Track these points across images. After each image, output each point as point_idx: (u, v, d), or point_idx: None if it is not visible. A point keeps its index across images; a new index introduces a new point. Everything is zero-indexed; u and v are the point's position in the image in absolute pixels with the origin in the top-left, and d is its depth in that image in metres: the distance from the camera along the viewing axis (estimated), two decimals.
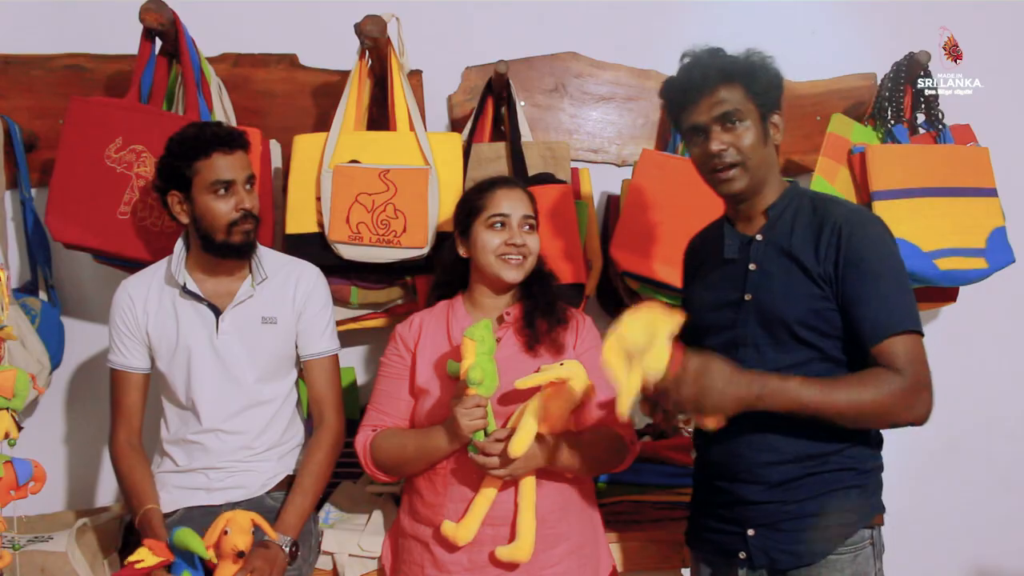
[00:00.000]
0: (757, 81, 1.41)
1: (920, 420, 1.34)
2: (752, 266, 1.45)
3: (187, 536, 1.47)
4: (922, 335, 1.36)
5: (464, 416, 1.46)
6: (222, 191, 1.67)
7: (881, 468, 1.47)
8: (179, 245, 1.75)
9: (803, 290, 1.39)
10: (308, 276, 1.82)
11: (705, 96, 1.40)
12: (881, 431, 1.47)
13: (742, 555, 1.43)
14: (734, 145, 1.40)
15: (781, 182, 1.49)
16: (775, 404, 1.32)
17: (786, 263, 1.42)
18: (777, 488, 1.40)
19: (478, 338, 1.46)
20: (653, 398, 1.34)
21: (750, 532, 1.42)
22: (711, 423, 1.32)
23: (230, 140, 1.69)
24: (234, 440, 1.72)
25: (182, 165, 1.67)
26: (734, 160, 1.40)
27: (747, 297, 1.44)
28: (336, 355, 1.83)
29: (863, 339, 1.36)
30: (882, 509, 1.46)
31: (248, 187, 1.72)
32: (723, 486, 1.46)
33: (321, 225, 1.98)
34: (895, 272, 1.38)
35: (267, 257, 1.80)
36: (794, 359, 1.39)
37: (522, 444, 1.45)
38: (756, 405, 1.32)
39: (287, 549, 1.61)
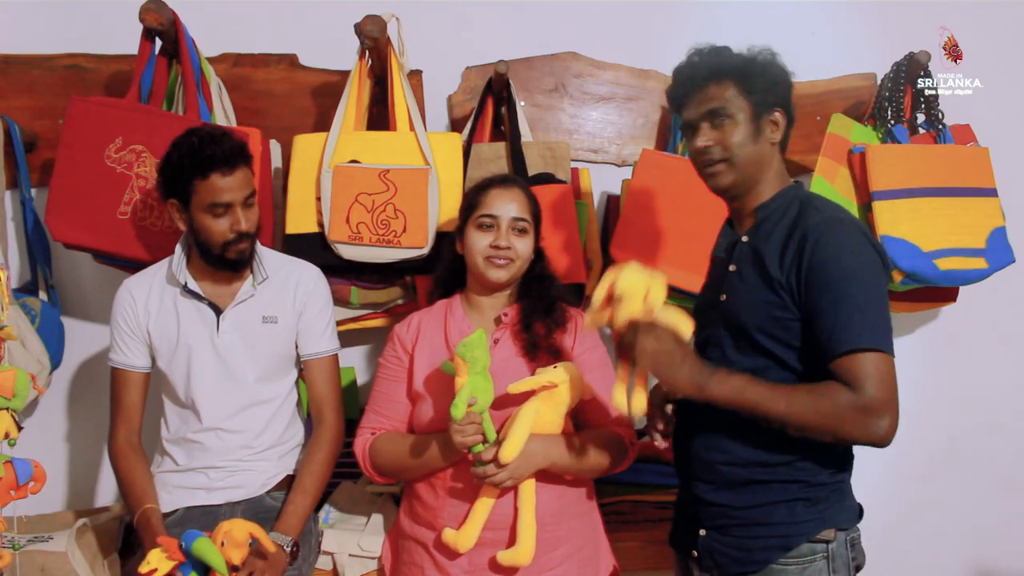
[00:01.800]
0: (751, 78, 1.41)
1: (878, 440, 1.27)
2: (732, 267, 1.45)
3: (207, 548, 1.44)
4: (888, 354, 1.28)
5: (457, 433, 1.46)
6: (219, 213, 1.66)
7: (840, 484, 1.41)
8: (179, 247, 1.75)
9: (763, 297, 1.36)
10: (308, 276, 1.82)
11: (695, 93, 1.43)
12: (847, 452, 1.42)
13: (694, 553, 1.46)
14: (720, 142, 1.41)
15: (782, 182, 1.46)
16: (719, 395, 1.30)
17: (756, 268, 1.40)
18: (725, 490, 1.41)
19: (469, 359, 1.44)
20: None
21: (701, 532, 1.44)
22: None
23: (230, 158, 1.64)
24: (234, 439, 1.72)
25: (180, 180, 1.65)
26: (720, 156, 1.41)
27: (723, 298, 1.44)
28: (336, 355, 1.83)
29: (821, 353, 1.30)
30: (837, 524, 1.38)
31: (247, 205, 1.69)
32: (682, 483, 1.50)
33: (321, 225, 1.98)
34: (862, 286, 1.29)
35: (267, 257, 1.80)
36: (753, 364, 1.37)
37: (512, 450, 1.44)
38: (701, 393, 1.30)
39: (288, 549, 1.61)
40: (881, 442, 1.27)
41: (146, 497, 1.67)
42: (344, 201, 1.95)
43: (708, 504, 1.43)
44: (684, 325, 1.31)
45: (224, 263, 1.70)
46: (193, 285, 1.73)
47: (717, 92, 1.41)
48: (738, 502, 1.39)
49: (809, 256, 1.31)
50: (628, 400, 1.34)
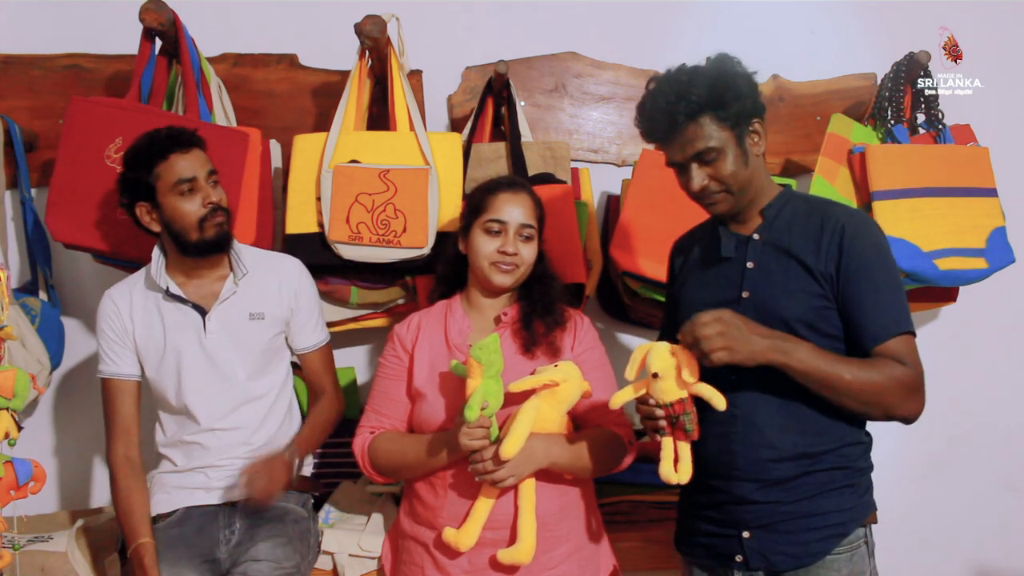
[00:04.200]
0: (725, 105, 1.38)
1: (914, 416, 1.37)
2: (750, 264, 1.46)
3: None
4: (915, 335, 1.40)
5: (465, 436, 1.46)
6: (186, 190, 1.67)
7: (871, 468, 1.48)
8: (156, 252, 1.75)
9: (803, 288, 1.40)
10: (294, 272, 1.83)
11: (675, 136, 1.40)
12: (871, 434, 1.48)
13: (738, 558, 1.43)
14: (715, 177, 1.42)
15: (773, 185, 1.51)
16: (796, 359, 1.32)
17: (785, 261, 1.43)
18: (773, 487, 1.40)
19: (485, 362, 1.44)
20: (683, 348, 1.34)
21: (745, 534, 1.42)
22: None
23: (184, 140, 1.69)
24: (232, 437, 1.72)
25: (142, 174, 1.67)
26: (716, 190, 1.43)
27: (744, 295, 1.44)
28: (329, 342, 1.87)
29: (865, 339, 1.38)
30: (874, 508, 1.47)
31: (212, 182, 1.72)
32: (716, 484, 1.45)
33: (321, 225, 1.98)
34: (893, 275, 1.41)
35: (245, 253, 1.79)
36: None
37: (513, 447, 1.44)
38: (780, 355, 1.32)
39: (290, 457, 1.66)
40: (915, 417, 1.38)
41: (141, 530, 1.63)
42: (344, 201, 1.95)
43: (754, 504, 1.41)
44: (717, 399, 1.33)
45: (205, 246, 1.70)
46: (175, 289, 1.72)
47: (697, 132, 1.38)
48: (788, 497, 1.40)
49: (849, 245, 1.39)
50: (676, 470, 1.35)
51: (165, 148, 1.67)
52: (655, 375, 1.33)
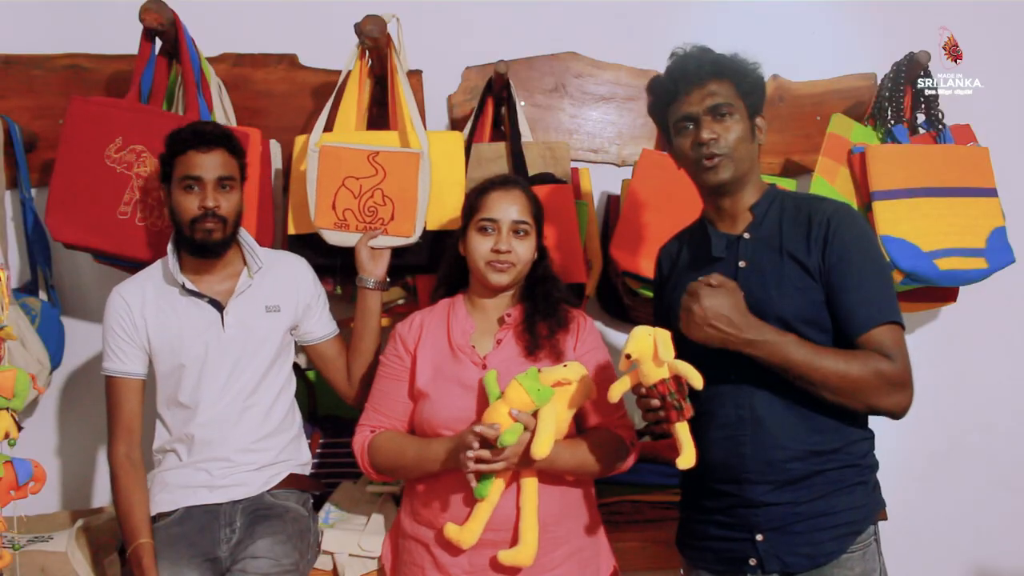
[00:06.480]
0: (746, 80, 1.47)
1: (900, 410, 1.37)
2: (742, 263, 1.46)
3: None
4: (904, 328, 1.40)
5: (469, 463, 1.45)
6: (190, 187, 1.70)
7: (877, 465, 1.48)
8: (171, 247, 1.76)
9: (800, 284, 1.41)
10: (303, 266, 1.87)
11: (697, 87, 1.44)
12: (873, 431, 1.48)
13: (752, 561, 1.42)
14: (723, 136, 1.43)
15: (762, 183, 1.54)
16: (767, 350, 1.34)
17: (778, 259, 1.43)
18: (785, 488, 1.40)
19: (538, 401, 1.45)
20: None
21: (759, 537, 1.41)
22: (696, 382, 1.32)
23: (209, 138, 1.72)
24: (235, 433, 1.72)
25: (168, 161, 1.73)
26: (721, 151, 1.44)
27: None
28: (340, 334, 1.92)
29: (850, 328, 1.38)
30: (883, 504, 1.47)
31: (224, 187, 1.72)
32: (726, 488, 1.44)
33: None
34: (880, 265, 1.42)
35: (257, 248, 1.81)
36: None
37: (544, 446, 1.43)
38: (751, 343, 1.34)
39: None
40: (901, 412, 1.37)
41: (140, 531, 1.63)
42: (330, 185, 1.91)
43: (767, 506, 1.40)
44: (695, 376, 1.33)
45: (193, 246, 1.72)
46: (191, 285, 1.73)
47: (719, 88, 1.44)
48: (801, 497, 1.39)
49: (833, 236, 1.40)
50: (684, 452, 1.35)
51: (187, 142, 1.70)
52: (628, 356, 1.34)
